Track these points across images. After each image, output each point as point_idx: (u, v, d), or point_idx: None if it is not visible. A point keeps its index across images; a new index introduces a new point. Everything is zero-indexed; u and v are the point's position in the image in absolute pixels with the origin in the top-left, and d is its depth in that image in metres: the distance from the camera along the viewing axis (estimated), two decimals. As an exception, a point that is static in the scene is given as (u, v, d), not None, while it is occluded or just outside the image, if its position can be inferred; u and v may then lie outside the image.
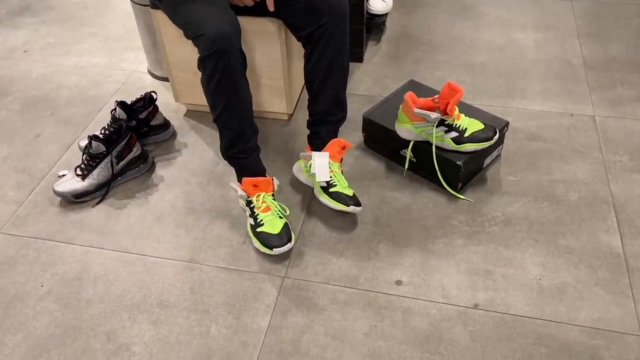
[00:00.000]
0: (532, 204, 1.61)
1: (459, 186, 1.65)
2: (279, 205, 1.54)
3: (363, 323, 1.35)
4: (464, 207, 1.62)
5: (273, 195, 1.56)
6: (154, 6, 1.75)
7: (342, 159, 1.65)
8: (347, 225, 1.59)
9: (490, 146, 1.64)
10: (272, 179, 1.56)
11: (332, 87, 1.59)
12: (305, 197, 1.68)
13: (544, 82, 2.07)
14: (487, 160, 1.72)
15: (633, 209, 1.58)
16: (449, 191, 1.65)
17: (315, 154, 1.57)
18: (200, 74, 1.45)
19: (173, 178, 1.77)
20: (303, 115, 1.98)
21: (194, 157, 1.85)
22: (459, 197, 1.64)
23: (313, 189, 1.66)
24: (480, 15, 2.48)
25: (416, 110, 1.58)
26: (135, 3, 2.04)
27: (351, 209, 1.53)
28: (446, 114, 1.59)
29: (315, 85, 1.59)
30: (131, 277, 1.48)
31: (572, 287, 1.39)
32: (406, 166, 1.71)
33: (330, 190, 1.56)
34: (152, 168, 1.81)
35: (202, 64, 1.42)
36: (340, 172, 1.60)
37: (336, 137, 1.65)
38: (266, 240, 1.49)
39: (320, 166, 1.55)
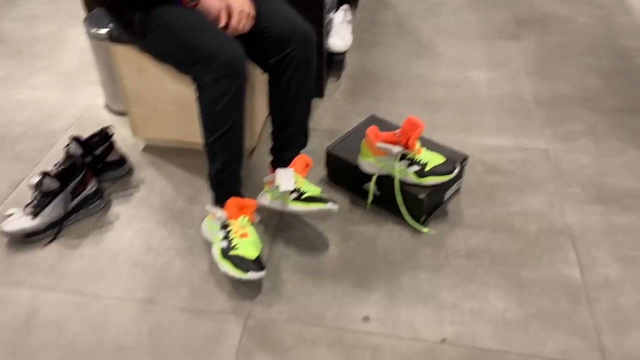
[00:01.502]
0: (493, 237, 1.64)
1: (423, 219, 1.66)
2: (258, 235, 1.52)
3: (330, 362, 1.31)
4: (428, 240, 1.63)
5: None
6: (113, 40, 1.72)
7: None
8: (312, 260, 1.56)
9: (450, 180, 1.66)
10: (257, 206, 1.54)
11: (298, 117, 1.61)
12: (268, 231, 1.65)
13: (498, 118, 2.13)
14: (448, 194, 1.75)
15: (589, 240, 1.62)
16: (412, 225, 1.65)
17: (279, 169, 1.57)
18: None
19: (130, 215, 1.71)
20: (265, 150, 1.97)
21: (153, 194, 1.79)
22: (422, 231, 1.65)
23: (280, 215, 1.63)
24: (436, 54, 2.56)
25: (379, 144, 1.59)
26: (92, 38, 2.00)
27: (329, 205, 1.51)
28: (408, 147, 1.61)
29: (281, 114, 1.60)
30: (84, 320, 1.40)
31: (537, 319, 1.41)
32: (369, 200, 1.71)
33: (303, 197, 1.53)
34: (107, 205, 1.74)
35: (210, 86, 1.41)
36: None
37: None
38: (240, 262, 1.42)
39: (285, 176, 1.53)
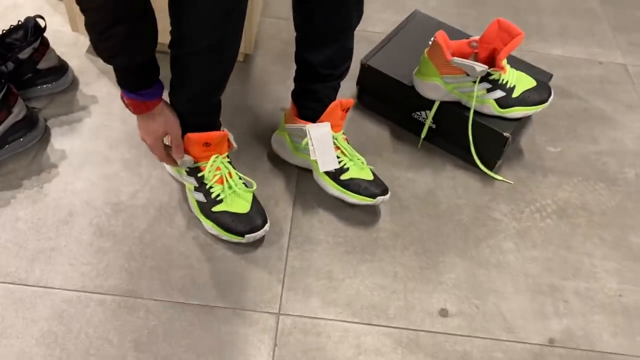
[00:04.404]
0: (586, 186, 1.25)
1: (497, 164, 1.23)
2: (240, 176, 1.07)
3: (406, 382, 0.93)
4: (504, 192, 1.21)
5: (228, 157, 1.07)
6: None
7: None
8: (354, 224, 1.12)
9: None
10: (228, 134, 1.06)
11: (346, 26, 1.04)
12: (289, 181, 1.17)
13: (559, 19, 1.67)
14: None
15: (702, 190, 1.27)
16: (482, 170, 1.23)
17: (310, 127, 1.06)
18: None
19: (81, 153, 1.17)
20: (263, 55, 1.43)
21: (112, 119, 1.24)
22: (495, 178, 1.23)
23: (312, 171, 1.15)
24: None
25: (455, 59, 1.10)
26: None
27: (379, 200, 1.07)
28: (492, 65, 1.14)
29: (316, 24, 1.02)
30: (30, 325, 0.92)
31: (663, 306, 1.07)
32: (423, 135, 1.25)
33: (343, 177, 1.07)
34: (45, 137, 1.19)
35: None
36: (347, 144, 1.12)
37: (336, 96, 1.14)
38: (231, 224, 1.02)
39: (324, 149, 1.04)
